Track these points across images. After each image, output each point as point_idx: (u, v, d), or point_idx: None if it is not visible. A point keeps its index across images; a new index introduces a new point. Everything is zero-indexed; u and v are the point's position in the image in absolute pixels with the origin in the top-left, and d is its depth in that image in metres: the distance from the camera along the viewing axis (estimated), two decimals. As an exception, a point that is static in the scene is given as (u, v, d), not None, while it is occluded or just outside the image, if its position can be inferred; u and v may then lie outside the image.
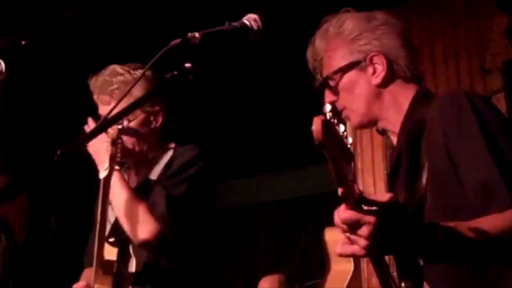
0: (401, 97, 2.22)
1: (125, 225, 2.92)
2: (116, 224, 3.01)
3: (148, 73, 3.01)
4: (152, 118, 3.09)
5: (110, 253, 3.01)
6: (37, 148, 5.73)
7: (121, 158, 3.09)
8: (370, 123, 2.30)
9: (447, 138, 1.98)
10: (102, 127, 2.23)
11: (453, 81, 4.49)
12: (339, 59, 2.26)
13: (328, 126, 1.49)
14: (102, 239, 2.93)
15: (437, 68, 4.55)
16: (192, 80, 1.89)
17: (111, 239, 3.00)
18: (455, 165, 1.95)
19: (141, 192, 3.06)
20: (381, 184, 4.41)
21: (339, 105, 2.28)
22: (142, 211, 2.89)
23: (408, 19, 4.71)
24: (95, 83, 3.10)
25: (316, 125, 1.48)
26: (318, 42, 2.31)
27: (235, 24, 1.98)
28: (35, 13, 4.78)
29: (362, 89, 2.24)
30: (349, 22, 2.27)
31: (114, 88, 3.03)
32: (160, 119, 3.12)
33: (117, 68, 3.08)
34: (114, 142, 2.78)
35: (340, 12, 2.32)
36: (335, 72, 2.25)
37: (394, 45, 2.22)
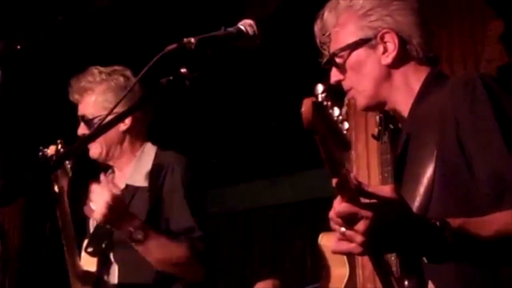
0: (413, 79, 2.08)
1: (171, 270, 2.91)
2: (95, 234, 2.99)
3: (123, 77, 3.07)
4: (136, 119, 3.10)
5: (90, 263, 2.98)
6: (33, 154, 5.72)
7: (102, 160, 3.11)
8: (377, 106, 2.18)
9: (458, 125, 1.85)
10: (96, 134, 2.22)
11: (448, 86, 4.49)
12: (348, 35, 2.11)
13: (319, 109, 1.38)
14: (73, 254, 2.91)
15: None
16: (187, 86, 1.89)
17: (90, 249, 2.97)
18: (467, 155, 1.83)
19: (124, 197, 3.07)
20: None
21: (345, 85, 2.16)
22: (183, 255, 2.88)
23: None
24: (71, 83, 3.14)
25: (306, 106, 1.36)
26: (327, 15, 2.16)
27: (230, 29, 1.98)
28: (29, 19, 4.77)
29: (371, 68, 2.10)
30: None
31: (81, 86, 3.07)
32: (128, 121, 3.10)
33: (92, 68, 3.12)
34: (53, 167, 2.74)
35: None
36: (343, 49, 2.11)
37: (408, 22, 2.07)
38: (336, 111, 1.45)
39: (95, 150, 3.07)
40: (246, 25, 2.00)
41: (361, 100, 2.15)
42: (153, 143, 3.18)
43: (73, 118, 3.21)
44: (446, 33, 4.58)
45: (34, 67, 5.33)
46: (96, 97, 3.06)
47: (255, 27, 2.00)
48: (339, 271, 4.93)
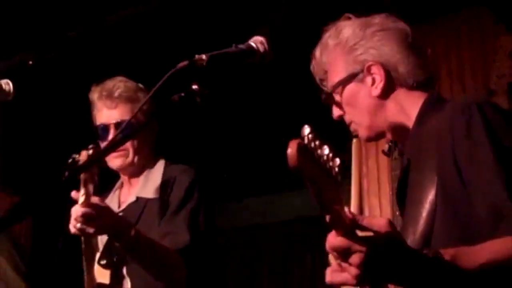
0: (408, 106, 2.10)
1: (154, 274, 2.91)
2: (108, 246, 2.99)
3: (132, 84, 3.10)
4: (148, 130, 3.13)
5: (103, 275, 2.98)
6: (45, 169, 5.74)
7: (120, 169, 3.13)
8: (377, 135, 2.20)
9: (456, 154, 1.86)
10: (114, 145, 2.23)
11: (458, 102, 4.49)
12: (339, 72, 2.16)
13: (305, 150, 1.41)
14: (90, 264, 2.92)
15: (443, 90, 4.54)
16: (199, 102, 1.90)
17: (103, 261, 2.98)
18: (466, 183, 1.84)
19: (134, 209, 3.08)
20: (387, 206, 4.40)
21: (346, 119, 2.21)
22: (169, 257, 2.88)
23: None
24: (101, 90, 3.14)
25: (291, 149, 1.39)
26: (319, 55, 2.23)
27: (241, 46, 1.99)
28: (40, 34, 4.80)
29: (363, 101, 2.14)
30: (346, 31, 2.17)
31: (122, 91, 3.08)
32: (155, 133, 3.16)
33: (120, 77, 3.16)
34: (84, 169, 2.72)
35: (340, 19, 2.23)
36: (335, 86, 2.17)
37: (392, 52, 2.10)
38: (325, 150, 1.48)
39: (129, 158, 3.10)
40: (257, 42, 2.01)
41: (362, 132, 2.19)
42: (161, 157, 3.22)
43: (85, 130, 3.22)
44: (456, 50, 4.59)
45: (46, 82, 5.36)
46: (137, 105, 3.07)
47: (266, 44, 2.01)
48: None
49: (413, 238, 1.86)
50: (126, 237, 2.75)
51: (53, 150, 5.86)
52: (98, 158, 2.58)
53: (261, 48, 2.00)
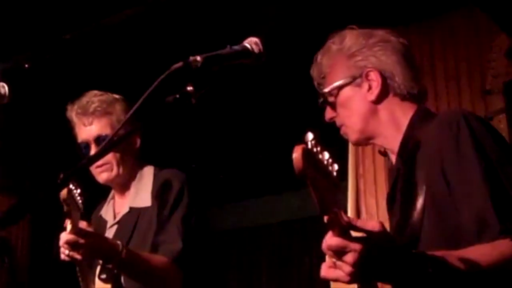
0: (399, 115, 2.22)
1: (149, 285, 2.94)
2: None
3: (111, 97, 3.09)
4: (129, 140, 3.11)
5: None
6: (41, 171, 5.73)
7: (107, 183, 3.13)
8: (366, 140, 2.30)
9: (444, 162, 1.97)
10: (101, 153, 2.21)
11: (454, 102, 4.49)
12: (338, 75, 2.27)
13: (309, 155, 1.50)
14: (87, 283, 2.92)
15: (438, 89, 4.56)
16: (194, 103, 1.90)
17: (103, 276, 2.97)
18: (452, 191, 1.94)
19: (128, 220, 3.07)
20: (384, 206, 4.39)
21: (338, 121, 2.31)
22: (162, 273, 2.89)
23: (409, 40, 4.72)
24: (76, 108, 3.13)
25: (297, 154, 1.47)
26: (321, 59, 2.33)
27: (236, 47, 1.99)
28: (35, 37, 4.80)
29: (358, 105, 2.24)
30: (349, 38, 2.28)
31: (96, 106, 3.07)
32: (138, 141, 3.15)
33: (95, 91, 3.15)
34: (66, 202, 2.69)
35: (344, 29, 2.34)
36: (333, 88, 2.27)
37: (391, 62, 2.23)
38: (326, 155, 1.57)
39: (114, 171, 3.09)
40: (251, 43, 2.01)
41: (351, 135, 2.29)
42: (149, 164, 3.21)
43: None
44: (452, 49, 4.59)
45: (42, 84, 5.36)
46: (116, 118, 3.07)
47: (260, 45, 2.01)
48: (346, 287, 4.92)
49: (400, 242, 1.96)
50: (117, 259, 2.76)
51: (50, 153, 5.86)
52: (77, 176, 2.58)
53: (255, 49, 2.00)
